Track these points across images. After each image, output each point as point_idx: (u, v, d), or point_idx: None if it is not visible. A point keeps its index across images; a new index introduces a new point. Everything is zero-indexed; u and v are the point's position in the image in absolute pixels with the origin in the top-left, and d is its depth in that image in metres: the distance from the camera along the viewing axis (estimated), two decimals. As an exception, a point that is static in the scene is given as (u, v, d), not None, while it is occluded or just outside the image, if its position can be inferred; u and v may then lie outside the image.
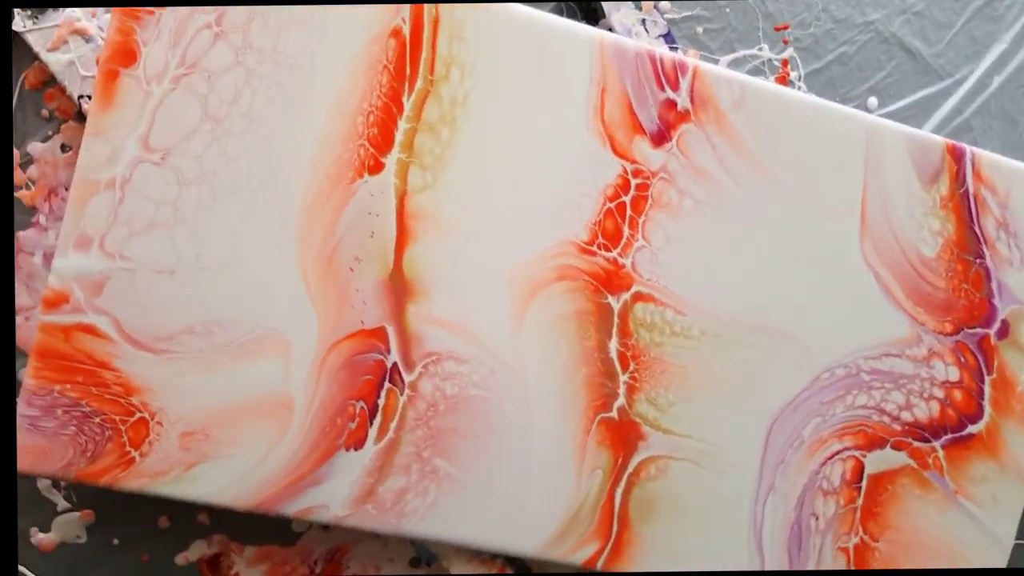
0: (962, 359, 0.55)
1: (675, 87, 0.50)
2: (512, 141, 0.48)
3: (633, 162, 0.49)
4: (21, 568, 0.51)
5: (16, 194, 0.49)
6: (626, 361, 0.50)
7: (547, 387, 0.49)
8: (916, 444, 0.55)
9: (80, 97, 0.48)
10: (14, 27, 0.47)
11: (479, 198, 0.48)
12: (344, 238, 0.46)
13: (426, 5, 0.46)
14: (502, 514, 0.49)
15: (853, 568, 0.55)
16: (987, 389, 0.56)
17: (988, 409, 0.56)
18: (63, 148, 0.49)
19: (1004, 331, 0.56)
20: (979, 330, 0.56)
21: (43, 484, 0.51)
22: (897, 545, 0.55)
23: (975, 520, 0.56)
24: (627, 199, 0.50)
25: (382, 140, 0.46)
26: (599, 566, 0.51)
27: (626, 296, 0.50)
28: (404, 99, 0.46)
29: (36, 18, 0.46)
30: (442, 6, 0.46)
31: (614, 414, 0.50)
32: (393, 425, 0.48)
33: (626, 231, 0.50)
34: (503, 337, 0.49)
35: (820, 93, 0.58)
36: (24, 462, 0.44)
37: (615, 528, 0.51)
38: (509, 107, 0.48)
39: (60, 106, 0.49)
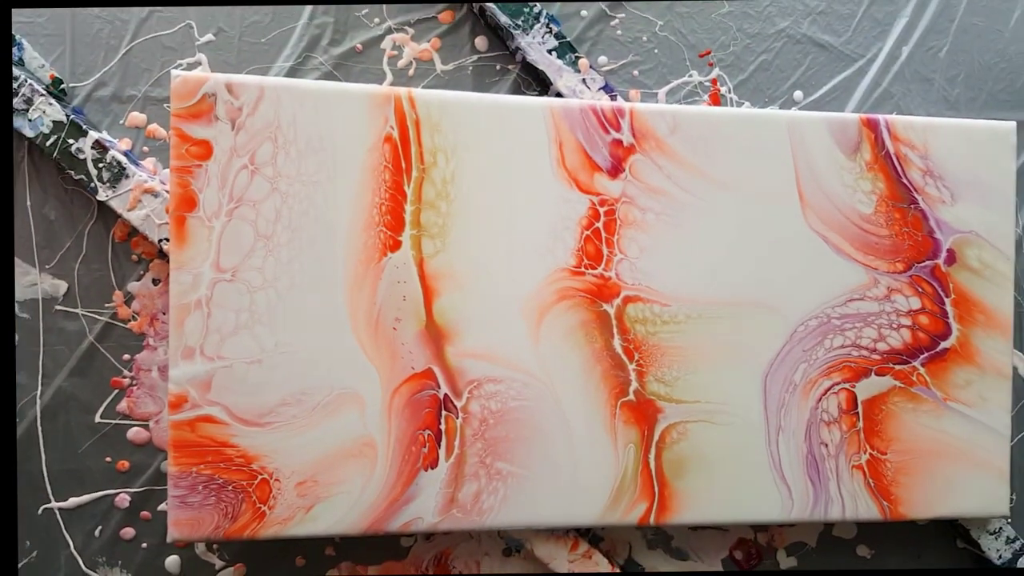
0: (919, 289, 0.65)
1: (618, 128, 0.61)
2: (498, 200, 0.60)
3: (598, 195, 0.61)
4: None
5: (127, 325, 0.62)
6: (631, 353, 0.61)
7: (571, 387, 0.60)
8: (897, 367, 0.65)
9: (160, 240, 0.60)
10: (98, 197, 0.60)
11: (482, 251, 0.59)
12: (383, 306, 0.58)
13: (406, 110, 0.58)
14: (561, 495, 0.61)
15: (872, 482, 0.64)
16: (950, 309, 0.66)
17: (955, 325, 0.66)
18: (154, 282, 0.62)
19: (952, 258, 0.66)
20: (928, 262, 0.65)
21: (200, 549, 0.63)
22: (904, 454, 0.65)
23: (969, 419, 0.66)
24: (600, 225, 0.61)
25: (395, 223, 0.58)
26: (651, 521, 0.62)
27: (617, 301, 0.61)
28: (406, 187, 0.58)
29: (114, 187, 0.59)
30: (419, 108, 0.58)
31: (631, 397, 0.61)
32: (456, 443, 0.59)
33: (605, 250, 0.61)
34: (526, 356, 0.60)
35: (751, 99, 0.69)
36: (182, 531, 0.57)
37: (656, 488, 0.62)
38: (489, 174, 0.59)
39: (145, 250, 0.62)
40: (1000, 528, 0.69)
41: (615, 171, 0.61)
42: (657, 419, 0.62)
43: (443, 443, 0.59)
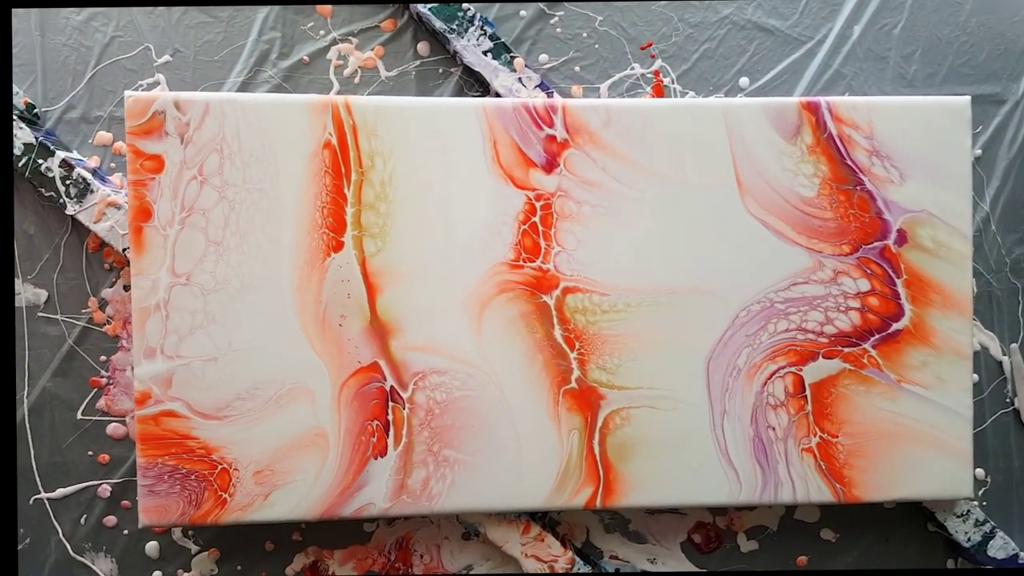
0: (868, 271, 0.65)
1: (551, 124, 0.63)
2: (435, 199, 0.62)
3: (533, 190, 0.63)
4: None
5: (103, 329, 0.66)
6: (571, 342, 0.63)
7: (514, 376, 0.63)
8: (847, 350, 0.65)
9: (124, 249, 0.65)
10: (67, 212, 0.64)
11: (421, 248, 0.62)
12: (329, 304, 0.61)
13: (343, 117, 0.61)
14: (508, 481, 0.63)
15: (823, 464, 0.65)
16: (902, 290, 0.65)
17: (908, 306, 0.65)
18: (125, 288, 0.67)
19: (903, 238, 0.65)
20: (877, 244, 0.65)
21: (176, 535, 0.68)
22: (857, 436, 0.65)
23: (925, 400, 0.65)
24: (536, 219, 0.63)
25: (337, 225, 0.61)
26: (598, 504, 0.63)
27: (557, 292, 0.63)
28: (346, 191, 0.61)
29: (81, 202, 0.64)
30: (355, 115, 0.61)
31: (574, 384, 0.63)
32: (404, 432, 0.62)
33: (542, 243, 0.63)
34: (469, 347, 0.62)
35: (695, 88, 0.69)
36: (151, 518, 0.61)
37: (601, 472, 0.64)
38: (426, 175, 0.62)
39: (116, 259, 0.66)
40: (968, 511, 0.69)
41: (550, 166, 0.63)
42: (600, 405, 0.63)
43: (391, 432, 0.62)
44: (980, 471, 0.71)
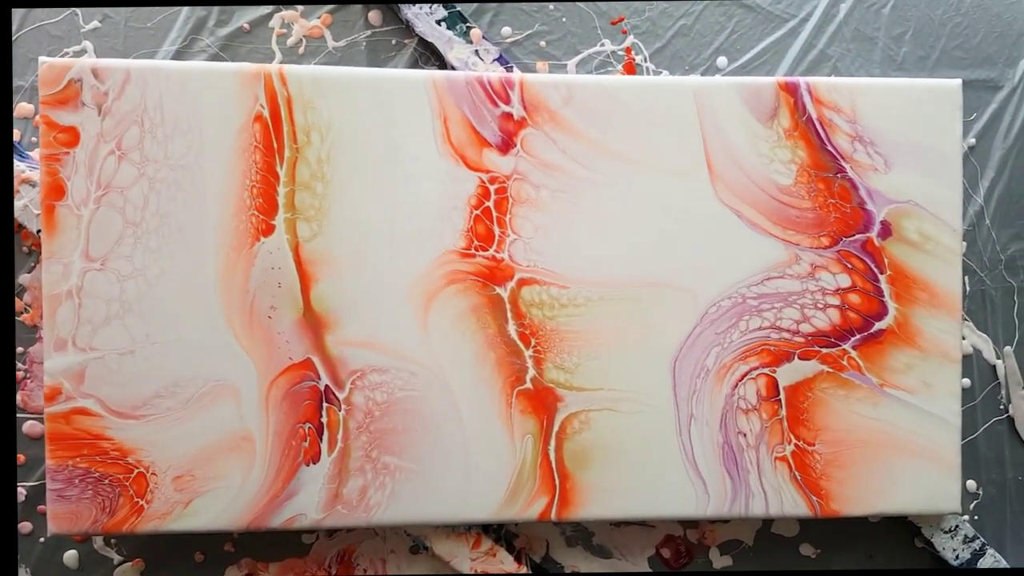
0: (849, 265, 0.60)
1: (507, 101, 0.58)
2: (378, 179, 0.57)
3: (487, 172, 0.57)
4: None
5: (20, 318, 0.61)
6: (526, 339, 0.58)
7: (463, 376, 0.57)
8: (825, 351, 0.60)
9: (38, 231, 0.59)
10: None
11: (362, 233, 0.57)
12: (257, 293, 0.56)
13: (277, 88, 0.55)
14: (454, 490, 0.58)
15: (798, 475, 0.60)
16: (885, 286, 0.60)
17: (892, 304, 0.60)
18: (45, 274, 0.61)
19: (886, 231, 0.60)
20: (859, 236, 0.60)
21: (98, 543, 0.62)
22: (835, 444, 0.60)
23: (910, 406, 0.60)
24: (490, 203, 0.57)
25: (268, 206, 0.56)
26: (553, 516, 0.58)
27: (511, 284, 0.58)
28: (278, 168, 0.56)
29: (-8, 178, 0.59)
30: (290, 85, 0.56)
31: (529, 385, 0.58)
32: (339, 436, 0.57)
33: (496, 230, 0.57)
34: (413, 343, 0.57)
35: (669, 67, 0.64)
36: (60, 525, 0.56)
37: (557, 481, 0.58)
38: (368, 152, 0.57)
39: (34, 242, 0.61)
40: (956, 526, 0.64)
41: (506, 146, 0.58)
42: (557, 408, 0.58)
43: (325, 436, 0.57)
44: (972, 483, 0.65)
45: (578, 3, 0.64)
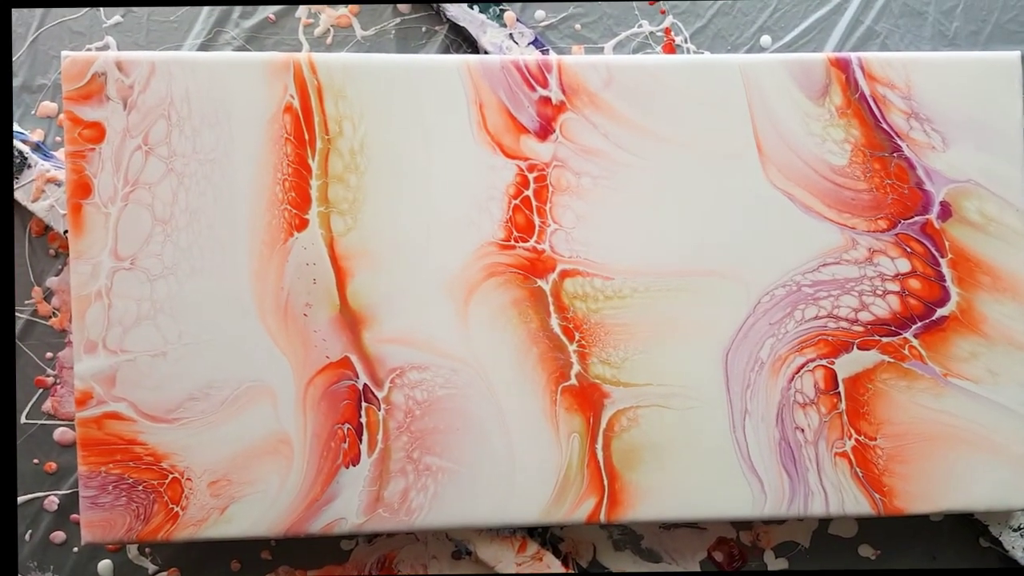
0: (908, 249, 0.57)
1: (545, 85, 0.55)
2: (414, 170, 0.55)
3: (526, 159, 0.55)
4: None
5: (48, 322, 0.59)
6: (570, 332, 0.55)
7: (505, 372, 0.55)
8: (885, 340, 0.57)
9: (65, 231, 0.58)
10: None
11: (399, 226, 0.55)
12: (292, 290, 0.54)
13: (306, 77, 0.54)
14: (499, 492, 0.55)
15: (860, 471, 0.57)
16: (947, 271, 0.57)
17: (954, 289, 0.57)
18: (73, 277, 0.60)
19: (946, 212, 0.57)
20: (918, 218, 0.57)
21: (132, 553, 0.61)
22: (898, 439, 0.57)
23: (976, 397, 0.57)
24: (529, 192, 0.55)
25: (301, 200, 0.54)
26: (602, 518, 0.56)
27: (553, 276, 0.55)
28: (310, 161, 0.54)
29: (17, 178, 0.57)
30: (320, 74, 0.54)
31: (574, 381, 0.56)
32: (379, 437, 0.55)
33: (536, 220, 0.55)
34: (453, 339, 0.55)
35: (711, 47, 0.62)
36: (94, 534, 0.54)
37: (606, 481, 0.56)
38: (402, 142, 0.55)
39: (61, 244, 0.59)
40: (1026, 522, 0.60)
41: (544, 132, 0.55)
42: (604, 405, 0.56)
43: (364, 437, 0.55)
44: (1039, 478, 0.62)
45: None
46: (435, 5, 0.59)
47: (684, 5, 0.62)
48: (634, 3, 0.61)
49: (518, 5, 0.61)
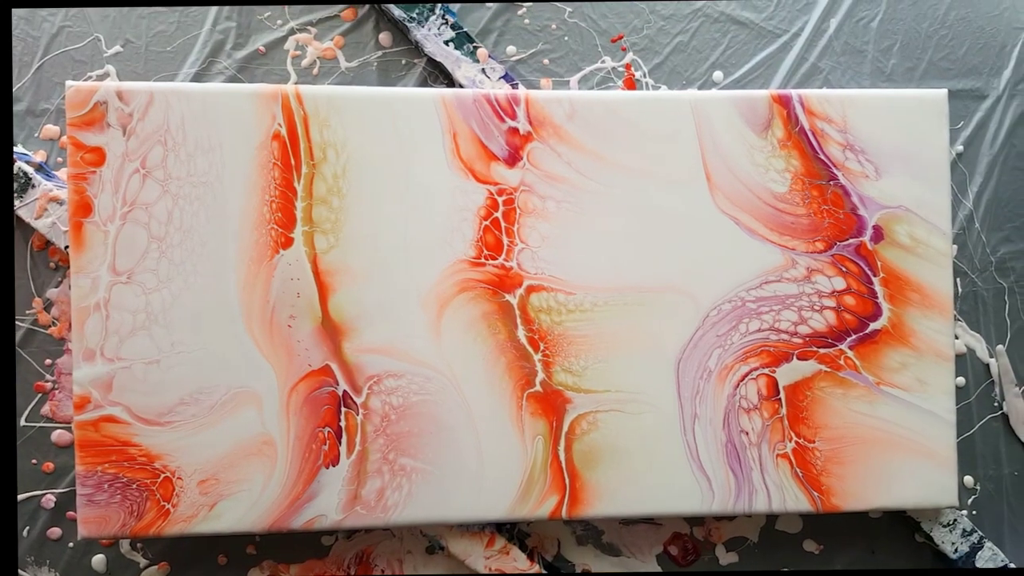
0: (843, 268, 0.62)
1: (513, 116, 0.60)
2: (392, 193, 0.59)
3: (495, 184, 0.60)
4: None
5: (48, 331, 0.64)
6: (536, 343, 0.60)
7: (475, 380, 0.60)
8: (822, 351, 0.62)
9: (65, 247, 0.62)
10: (14, 209, 0.62)
11: (377, 245, 0.59)
12: (277, 303, 0.58)
13: (293, 107, 0.58)
14: (468, 490, 0.60)
15: (800, 472, 0.62)
16: (879, 288, 0.63)
17: (886, 305, 0.63)
18: (71, 288, 0.64)
19: (879, 235, 0.63)
20: (852, 241, 0.62)
21: (124, 548, 0.64)
22: (834, 442, 0.62)
23: (907, 404, 0.62)
24: (499, 214, 0.60)
25: (286, 220, 0.59)
26: (563, 515, 0.60)
27: (520, 291, 0.60)
28: (296, 184, 0.59)
29: (21, 196, 0.61)
30: (306, 104, 0.59)
31: (538, 388, 0.60)
32: (357, 440, 0.59)
33: (505, 240, 0.60)
34: (427, 349, 0.59)
35: (668, 82, 0.67)
36: (90, 529, 0.58)
37: (567, 480, 0.60)
38: (381, 167, 0.59)
39: (61, 257, 0.63)
40: (955, 520, 0.66)
41: (513, 160, 0.60)
42: (566, 410, 0.60)
43: (344, 440, 0.59)
44: (969, 479, 0.68)
45: (579, 23, 0.66)
46: (414, 41, 0.64)
47: (643, 43, 0.67)
48: (597, 40, 0.66)
49: (491, 41, 0.66)
